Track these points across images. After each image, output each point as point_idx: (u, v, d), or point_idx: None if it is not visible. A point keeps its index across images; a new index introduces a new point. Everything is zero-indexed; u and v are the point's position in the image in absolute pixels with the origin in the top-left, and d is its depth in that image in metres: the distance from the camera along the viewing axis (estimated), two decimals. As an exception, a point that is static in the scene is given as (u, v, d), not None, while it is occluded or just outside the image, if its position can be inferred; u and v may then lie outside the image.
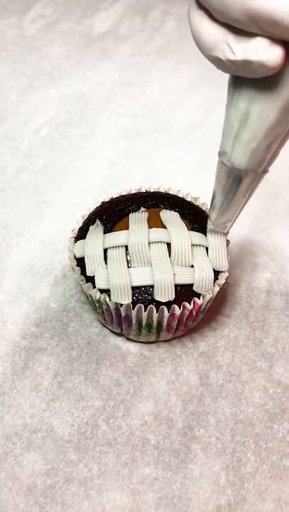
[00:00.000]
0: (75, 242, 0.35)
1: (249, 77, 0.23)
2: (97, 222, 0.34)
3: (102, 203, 0.37)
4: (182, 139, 0.54)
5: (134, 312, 0.32)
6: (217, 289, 0.34)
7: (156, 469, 0.32)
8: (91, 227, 0.34)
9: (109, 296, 0.32)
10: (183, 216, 0.35)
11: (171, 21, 0.71)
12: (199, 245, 0.33)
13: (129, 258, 0.32)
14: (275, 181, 0.50)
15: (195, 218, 0.35)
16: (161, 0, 0.75)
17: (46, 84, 0.60)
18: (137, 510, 0.30)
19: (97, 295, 0.33)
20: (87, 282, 0.33)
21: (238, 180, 0.28)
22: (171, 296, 0.32)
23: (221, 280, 0.34)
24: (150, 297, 0.32)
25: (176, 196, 0.37)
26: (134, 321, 0.33)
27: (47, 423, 0.33)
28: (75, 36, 0.68)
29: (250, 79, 0.23)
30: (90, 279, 0.33)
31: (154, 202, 0.35)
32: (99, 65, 0.63)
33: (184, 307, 0.32)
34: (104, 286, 0.32)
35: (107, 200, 0.37)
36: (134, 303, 0.32)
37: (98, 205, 0.37)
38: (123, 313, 0.33)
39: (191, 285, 0.32)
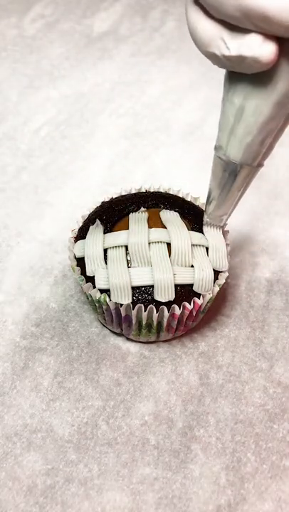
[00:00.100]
0: (75, 242, 0.35)
1: (244, 72, 0.23)
2: (97, 222, 0.34)
3: (102, 203, 0.37)
4: (182, 139, 0.54)
5: (134, 312, 0.32)
6: (217, 289, 0.34)
7: (156, 469, 0.32)
8: (91, 227, 0.34)
9: (109, 296, 0.32)
10: (183, 216, 0.35)
11: (171, 21, 0.71)
12: (199, 245, 0.33)
13: (129, 258, 0.32)
14: (275, 181, 0.50)
15: (195, 218, 0.35)
16: (161, 0, 0.75)
17: (46, 84, 0.60)
18: (137, 510, 0.30)
19: (97, 295, 0.33)
20: (87, 282, 0.33)
21: (233, 174, 0.29)
22: (171, 296, 0.32)
23: (221, 280, 0.34)
24: (150, 297, 0.32)
25: (176, 196, 0.37)
26: (134, 321, 0.33)
27: (47, 423, 0.33)
28: (75, 36, 0.68)
29: (246, 75, 0.23)
30: (90, 279, 0.33)
31: (154, 202, 0.35)
32: (99, 65, 0.63)
33: (184, 307, 0.32)
34: (104, 286, 0.32)
35: (107, 200, 0.37)
36: (134, 303, 0.32)
37: (98, 205, 0.37)
38: (123, 313, 0.33)
39: (191, 285, 0.32)
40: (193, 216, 0.35)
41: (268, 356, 0.37)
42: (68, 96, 0.59)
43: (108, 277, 0.32)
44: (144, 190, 0.38)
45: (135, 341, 0.37)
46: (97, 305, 0.34)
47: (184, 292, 0.32)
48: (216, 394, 0.35)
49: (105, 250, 0.33)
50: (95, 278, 0.32)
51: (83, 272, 0.34)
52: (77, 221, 0.37)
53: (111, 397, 0.35)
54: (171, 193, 0.38)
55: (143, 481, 0.31)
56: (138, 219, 0.34)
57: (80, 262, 0.34)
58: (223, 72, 0.25)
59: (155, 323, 0.33)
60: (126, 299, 0.32)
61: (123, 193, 0.38)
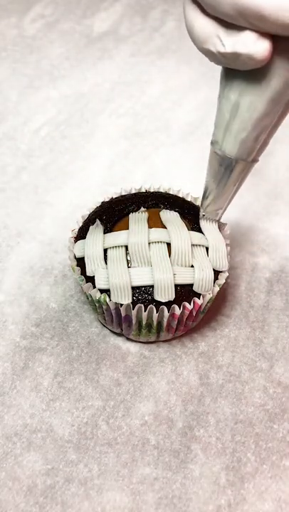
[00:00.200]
0: (75, 242, 0.35)
1: (239, 69, 0.24)
2: (97, 222, 0.34)
3: (102, 203, 0.37)
4: (182, 139, 0.54)
5: (134, 312, 0.32)
6: (217, 289, 0.34)
7: (156, 469, 0.32)
8: (91, 227, 0.34)
9: (109, 296, 0.32)
10: (183, 216, 0.35)
11: (171, 21, 0.71)
12: (199, 245, 0.33)
13: (129, 258, 0.32)
14: (275, 181, 0.50)
15: (195, 218, 0.35)
16: (161, 0, 0.75)
17: (46, 84, 0.60)
18: (137, 510, 0.30)
19: (97, 295, 0.32)
20: (87, 282, 0.33)
21: (229, 169, 0.29)
22: (171, 296, 0.32)
23: (221, 280, 0.34)
24: (150, 297, 0.32)
25: (176, 196, 0.37)
26: (134, 321, 0.33)
27: (47, 423, 0.33)
28: (75, 36, 0.68)
29: (241, 72, 0.24)
30: (90, 279, 0.33)
31: (154, 202, 0.35)
32: (99, 65, 0.63)
33: (184, 307, 0.32)
34: (104, 286, 0.32)
35: (107, 200, 0.37)
36: (134, 303, 0.32)
37: (98, 205, 0.37)
38: (123, 313, 0.33)
39: (191, 285, 0.32)
40: (193, 216, 0.35)
41: (268, 356, 0.37)
42: (68, 96, 0.59)
43: (108, 277, 0.32)
44: (144, 190, 0.38)
45: (135, 341, 0.37)
46: (97, 305, 0.34)
47: (184, 292, 0.32)
48: (216, 394, 0.35)
49: (105, 250, 0.33)
50: (95, 278, 0.32)
51: (83, 272, 0.34)
52: (77, 221, 0.37)
53: (111, 397, 0.35)
54: (171, 193, 0.38)
55: (143, 481, 0.31)
56: (138, 219, 0.34)
57: (80, 262, 0.34)
58: (223, 72, 0.26)
59: (155, 323, 0.33)
60: (126, 299, 0.32)
61: (123, 193, 0.38)
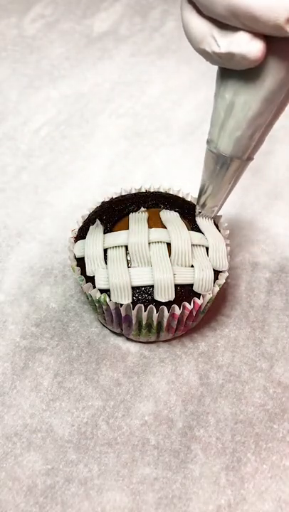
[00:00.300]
0: (75, 242, 0.35)
1: (233, 68, 0.24)
2: (97, 222, 0.34)
3: (102, 203, 0.37)
4: (182, 139, 0.54)
5: (134, 312, 0.32)
6: (217, 289, 0.34)
7: (156, 469, 0.32)
8: (91, 227, 0.34)
9: (109, 296, 0.32)
10: (183, 216, 0.35)
11: (171, 21, 0.71)
12: (199, 245, 0.33)
13: (129, 258, 0.32)
14: (275, 181, 0.50)
15: (195, 218, 0.35)
16: (161, 0, 0.75)
17: (46, 84, 0.60)
18: (137, 510, 0.30)
19: (97, 295, 0.32)
20: (87, 282, 0.33)
21: (224, 167, 0.30)
22: (171, 296, 0.32)
23: (221, 280, 0.34)
24: (150, 297, 0.32)
25: (176, 196, 0.37)
26: (134, 321, 0.33)
27: (47, 423, 0.33)
28: (75, 36, 0.68)
29: (236, 71, 0.24)
30: (90, 279, 0.33)
31: (154, 202, 0.35)
32: (99, 65, 0.63)
33: (184, 307, 0.32)
34: (104, 286, 0.32)
35: (107, 200, 0.37)
36: (134, 303, 0.32)
37: (98, 205, 0.37)
38: (123, 313, 0.33)
39: (191, 285, 0.32)
40: (193, 216, 0.35)
41: (268, 356, 0.37)
42: (68, 96, 0.59)
43: (108, 277, 0.32)
44: (144, 190, 0.38)
45: (135, 341, 0.37)
46: (97, 305, 0.34)
47: (184, 292, 0.32)
48: (216, 394, 0.35)
49: (105, 250, 0.33)
50: (95, 278, 0.32)
51: (83, 272, 0.34)
52: (77, 221, 0.37)
53: (111, 397, 0.35)
54: (171, 193, 0.38)
55: (143, 481, 0.31)
56: (138, 219, 0.34)
57: (80, 262, 0.34)
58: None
59: (155, 323, 0.33)
60: (126, 299, 0.32)
61: (123, 193, 0.38)
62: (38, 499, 0.30)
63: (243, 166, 0.30)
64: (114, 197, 0.37)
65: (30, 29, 0.69)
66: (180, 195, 0.38)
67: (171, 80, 0.61)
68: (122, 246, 0.33)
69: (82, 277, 0.33)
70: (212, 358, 0.37)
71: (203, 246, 0.33)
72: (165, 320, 0.33)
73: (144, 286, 0.32)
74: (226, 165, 0.29)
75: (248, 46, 0.22)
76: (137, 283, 0.32)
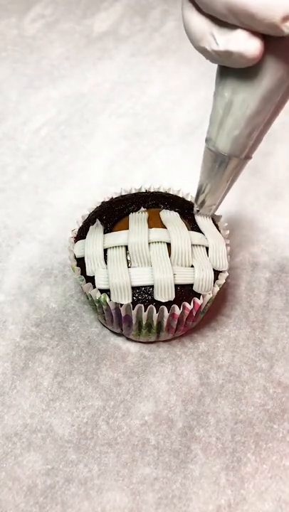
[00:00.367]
0: (75, 242, 0.35)
1: (232, 67, 0.24)
2: (97, 222, 0.34)
3: (102, 203, 0.37)
4: (182, 139, 0.54)
5: (134, 312, 0.32)
6: (217, 289, 0.34)
7: (156, 469, 0.32)
8: (91, 227, 0.34)
9: (109, 296, 0.32)
10: (183, 216, 0.35)
11: (171, 21, 0.71)
12: (199, 245, 0.33)
13: (129, 258, 0.32)
14: (275, 181, 0.50)
15: (195, 218, 0.35)
16: (161, 0, 0.75)
17: (46, 84, 0.60)
18: (137, 510, 0.30)
19: (97, 295, 0.32)
20: (87, 282, 0.33)
21: (222, 165, 0.30)
22: (171, 296, 0.32)
23: (221, 280, 0.34)
24: (150, 297, 0.32)
25: (176, 196, 0.37)
26: (134, 321, 0.33)
27: (47, 423, 0.33)
28: (75, 36, 0.68)
29: (234, 70, 0.25)
30: (90, 279, 0.33)
31: (154, 202, 0.35)
32: (99, 65, 0.63)
33: (184, 307, 0.32)
34: (104, 286, 0.32)
35: (107, 200, 0.37)
36: (134, 303, 0.32)
37: (98, 205, 0.37)
38: (123, 313, 0.33)
39: (191, 285, 0.32)
40: (193, 216, 0.35)
41: (268, 356, 0.37)
42: (68, 96, 0.59)
43: (108, 277, 0.32)
44: (144, 190, 0.38)
45: (135, 341, 0.37)
46: (97, 305, 0.34)
47: (184, 292, 0.32)
48: (216, 394, 0.35)
49: (105, 250, 0.33)
50: (95, 278, 0.32)
51: (83, 272, 0.34)
52: (77, 221, 0.37)
53: (111, 397, 0.35)
54: (171, 193, 0.38)
55: (143, 481, 0.31)
56: (138, 219, 0.34)
57: (80, 262, 0.34)
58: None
59: (155, 323, 0.33)
60: (126, 299, 0.32)
61: (123, 193, 0.38)
62: (38, 499, 0.30)
63: (242, 165, 0.30)
64: (114, 197, 0.37)
65: (30, 29, 0.69)
66: (180, 195, 0.38)
67: (171, 80, 0.61)
68: (122, 246, 0.33)
69: (82, 277, 0.33)
70: (212, 358, 0.37)
71: (203, 246, 0.33)
72: (165, 320, 0.33)
73: (144, 286, 0.32)
74: (224, 163, 0.30)
75: (245, 44, 0.22)
76: (137, 283, 0.32)
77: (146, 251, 0.32)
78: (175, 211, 0.35)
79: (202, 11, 0.23)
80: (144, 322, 0.33)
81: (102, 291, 0.32)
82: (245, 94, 0.25)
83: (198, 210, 0.34)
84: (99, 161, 0.51)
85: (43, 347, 0.37)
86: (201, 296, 0.33)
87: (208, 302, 0.34)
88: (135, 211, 0.35)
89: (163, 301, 0.32)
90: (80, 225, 0.36)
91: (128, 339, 0.37)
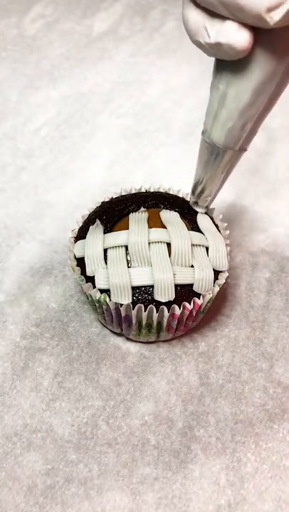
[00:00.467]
0: (75, 242, 0.35)
1: (223, 59, 0.24)
2: (97, 222, 0.34)
3: (102, 203, 0.37)
4: (182, 139, 0.54)
5: (134, 312, 0.32)
6: (217, 289, 0.34)
7: (156, 469, 0.32)
8: (91, 227, 0.34)
9: (109, 296, 0.32)
10: (183, 216, 0.35)
11: (171, 21, 0.71)
12: (199, 245, 0.33)
13: (129, 258, 0.32)
14: (275, 181, 0.50)
15: (195, 218, 0.35)
16: (161, 0, 0.75)
17: (46, 84, 0.60)
18: (137, 510, 0.30)
19: (97, 295, 0.32)
20: (87, 282, 0.33)
21: (217, 157, 0.30)
22: (171, 296, 0.32)
23: (221, 280, 0.34)
24: (150, 297, 0.32)
25: (176, 196, 0.37)
26: (134, 321, 0.33)
27: (47, 423, 0.33)
28: (75, 36, 0.68)
29: (229, 63, 0.25)
30: (90, 279, 0.33)
31: (154, 202, 0.35)
32: (99, 65, 0.63)
33: (184, 307, 0.32)
34: (104, 286, 0.32)
35: (107, 200, 0.37)
36: (134, 303, 0.32)
37: (98, 205, 0.37)
38: (123, 313, 0.33)
39: (191, 285, 0.32)
40: (193, 216, 0.35)
41: (268, 356, 0.37)
42: (68, 96, 0.59)
43: (108, 277, 0.32)
44: (144, 190, 0.38)
45: (135, 341, 0.37)
46: (97, 305, 0.34)
47: (184, 292, 0.32)
48: (216, 394, 0.35)
49: (105, 250, 0.33)
50: (95, 278, 0.32)
51: (83, 272, 0.34)
52: (77, 221, 0.37)
53: (111, 397, 0.35)
54: (171, 193, 0.38)
55: (143, 481, 0.31)
56: (138, 219, 0.34)
57: (80, 262, 0.34)
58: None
59: (155, 323, 0.33)
60: (126, 299, 0.32)
61: (123, 193, 0.38)
62: (38, 499, 0.30)
63: (236, 157, 0.31)
64: (114, 197, 0.37)
65: (30, 29, 0.69)
66: (180, 195, 0.38)
67: (171, 80, 0.61)
68: (122, 246, 0.33)
69: (82, 277, 0.33)
70: (212, 358, 0.37)
71: (203, 246, 0.33)
72: (165, 320, 0.33)
73: (144, 286, 0.32)
74: (220, 155, 0.30)
75: (235, 36, 0.22)
76: (137, 283, 0.32)
77: (146, 251, 0.32)
78: (175, 211, 0.35)
79: (198, 4, 0.24)
80: (144, 322, 0.33)
81: (102, 291, 0.32)
82: (238, 86, 0.26)
83: (194, 202, 0.34)
84: (99, 161, 0.51)
85: (43, 347, 0.37)
86: (201, 296, 0.33)
87: (208, 302, 0.34)
88: (135, 211, 0.35)
89: (163, 301, 0.32)
90: (80, 225, 0.36)
91: (128, 339, 0.37)
